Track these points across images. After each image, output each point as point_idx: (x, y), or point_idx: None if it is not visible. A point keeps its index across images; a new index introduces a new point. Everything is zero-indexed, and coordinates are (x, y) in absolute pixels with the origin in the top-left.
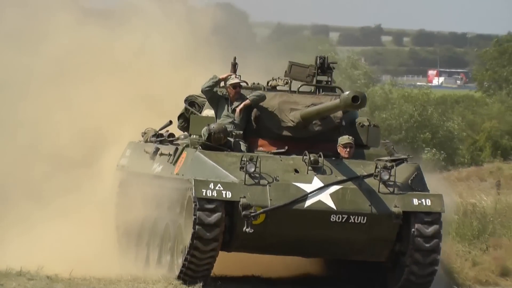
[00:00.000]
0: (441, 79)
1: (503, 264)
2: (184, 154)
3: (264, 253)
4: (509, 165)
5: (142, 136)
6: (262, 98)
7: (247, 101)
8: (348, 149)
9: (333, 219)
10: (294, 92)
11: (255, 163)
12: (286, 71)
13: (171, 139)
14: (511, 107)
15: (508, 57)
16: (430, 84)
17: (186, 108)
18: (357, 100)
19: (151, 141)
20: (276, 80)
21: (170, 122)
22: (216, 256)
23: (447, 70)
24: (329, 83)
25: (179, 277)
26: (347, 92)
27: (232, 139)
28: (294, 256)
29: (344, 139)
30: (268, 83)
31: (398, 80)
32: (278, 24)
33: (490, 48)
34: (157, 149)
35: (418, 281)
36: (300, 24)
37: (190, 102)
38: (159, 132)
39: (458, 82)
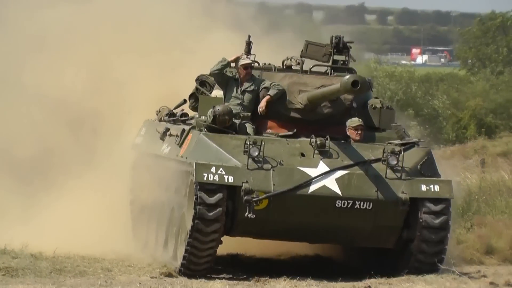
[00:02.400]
0: (425, 57)
1: (488, 242)
2: (189, 136)
3: (267, 238)
4: (494, 143)
5: (157, 114)
6: (283, 92)
7: (268, 97)
8: (359, 132)
9: (338, 204)
10: (306, 72)
11: (259, 146)
12: (302, 50)
13: (183, 118)
14: (495, 85)
15: (491, 36)
16: (413, 62)
17: (197, 88)
18: (357, 85)
19: (164, 120)
20: (290, 60)
21: (185, 101)
22: (218, 241)
23: (431, 48)
24: (346, 63)
25: (182, 265)
26: (347, 77)
27: (238, 121)
28: (298, 242)
29: (354, 121)
30: (283, 63)
31: (382, 58)
32: (261, 3)
33: (473, 27)
34: (167, 129)
35: (425, 268)
36: (284, 3)
37: (201, 81)
38: (173, 111)
39: (442, 60)
